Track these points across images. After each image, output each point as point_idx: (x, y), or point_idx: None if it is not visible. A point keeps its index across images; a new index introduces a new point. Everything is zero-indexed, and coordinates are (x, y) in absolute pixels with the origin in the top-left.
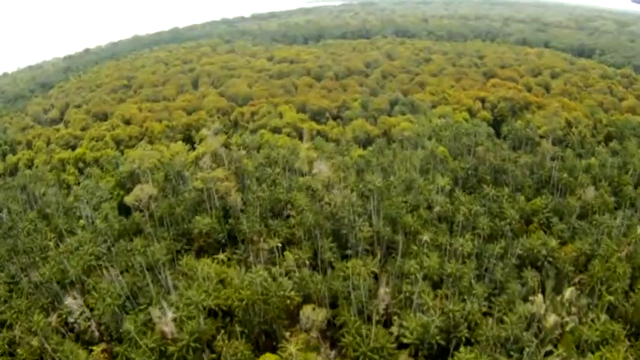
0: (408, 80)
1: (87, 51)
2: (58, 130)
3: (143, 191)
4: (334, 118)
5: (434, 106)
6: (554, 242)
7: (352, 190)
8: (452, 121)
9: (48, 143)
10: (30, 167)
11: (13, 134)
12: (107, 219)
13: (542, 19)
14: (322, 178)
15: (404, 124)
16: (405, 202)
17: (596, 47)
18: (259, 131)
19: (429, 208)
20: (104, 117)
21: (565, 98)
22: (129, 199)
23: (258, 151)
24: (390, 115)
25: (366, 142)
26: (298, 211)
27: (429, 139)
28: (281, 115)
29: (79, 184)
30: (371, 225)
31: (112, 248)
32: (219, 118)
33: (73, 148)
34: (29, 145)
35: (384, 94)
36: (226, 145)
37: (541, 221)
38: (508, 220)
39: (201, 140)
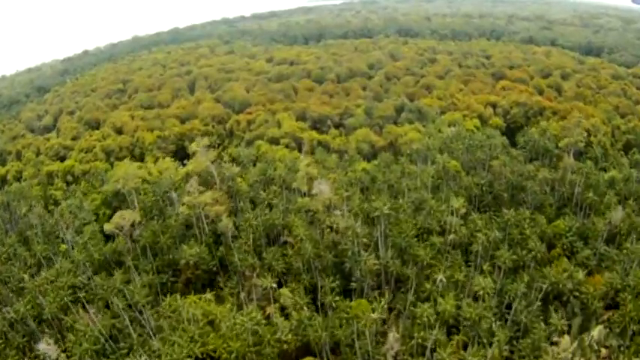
0: (414, 83)
1: (85, 53)
2: (48, 139)
3: (124, 218)
4: (336, 126)
5: (442, 112)
6: (580, 274)
7: (356, 215)
8: (463, 131)
9: (37, 154)
10: (19, 180)
11: (4, 144)
12: (86, 247)
13: (546, 17)
14: (323, 199)
15: (411, 135)
16: (415, 224)
17: (604, 45)
18: (256, 142)
19: (442, 233)
20: (96, 125)
21: (579, 102)
22: (108, 227)
23: (254, 165)
24: (396, 123)
25: (370, 155)
26: (296, 240)
27: (440, 152)
28: (279, 124)
29: (67, 199)
30: (378, 256)
31: (92, 281)
32: (213, 127)
33: (63, 159)
34: (19, 156)
35: (388, 99)
36: (219, 160)
37: (564, 246)
38: (533, 253)
39: (193, 154)
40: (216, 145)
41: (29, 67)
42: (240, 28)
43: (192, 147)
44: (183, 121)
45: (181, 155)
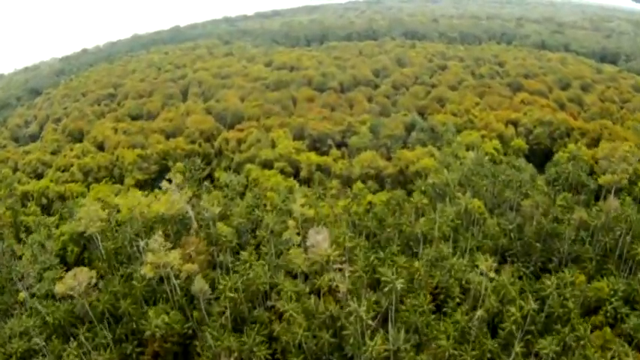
0: (424, 94)
1: (84, 51)
2: (28, 152)
3: (78, 278)
4: (338, 146)
5: (458, 131)
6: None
7: (360, 277)
8: (484, 159)
9: (15, 170)
10: None
11: None
12: (39, 310)
13: (555, 19)
14: (319, 253)
15: (425, 161)
16: (434, 288)
17: (620, 52)
18: (246, 166)
19: (465, 292)
20: (79, 136)
21: (606, 120)
22: (59, 290)
23: (243, 194)
24: (405, 144)
25: (378, 182)
26: (285, 314)
27: (460, 184)
28: (273, 143)
29: (35, 231)
30: (387, 338)
31: (45, 347)
32: (200, 145)
33: (40, 176)
34: None
35: (397, 114)
36: (200, 193)
37: (608, 313)
38: (578, 334)
39: (166, 191)
40: (201, 169)
41: (27, 65)
42: (242, 28)
43: (164, 185)
44: (168, 136)
45: (164, 177)
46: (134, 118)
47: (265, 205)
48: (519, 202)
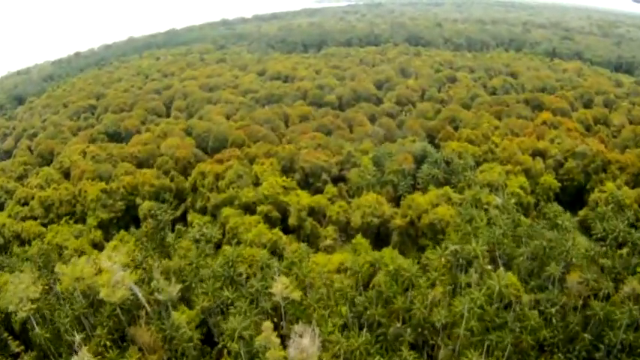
0: (433, 112)
1: (77, 55)
2: None
3: None
4: (335, 180)
5: (477, 162)
6: None
7: None
8: (514, 213)
9: None
10: None
11: None
12: None
13: (562, 24)
14: None
15: (442, 211)
16: None
17: (634, 61)
18: (223, 211)
19: None
20: (50, 158)
21: None
22: None
23: (218, 247)
24: (415, 180)
25: (384, 239)
26: None
27: (489, 251)
28: (257, 180)
29: None
30: None
31: None
32: (172, 179)
33: (2, 207)
34: None
35: (403, 138)
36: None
37: None
38: None
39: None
40: (169, 213)
41: (21, 69)
42: (238, 32)
43: (104, 259)
44: (141, 164)
45: (131, 215)
46: (110, 135)
47: (241, 275)
48: (563, 275)
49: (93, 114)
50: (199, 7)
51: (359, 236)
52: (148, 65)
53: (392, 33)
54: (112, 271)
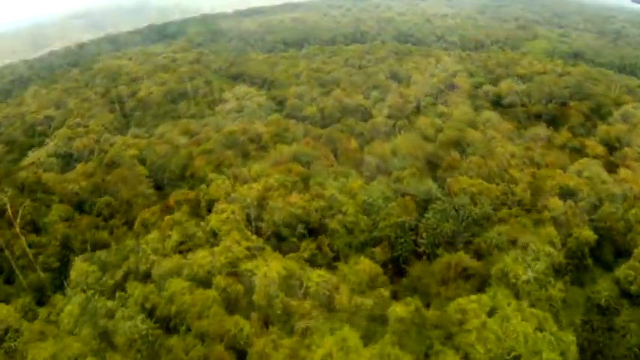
0: (433, 131)
1: (51, 54)
2: None
3: None
4: (313, 232)
5: (494, 209)
6: None
7: None
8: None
9: None
10: None
11: None
12: None
13: (555, 20)
14: None
15: (462, 302)
16: None
17: (638, 61)
18: (170, 282)
19: None
20: None
21: None
22: None
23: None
24: (419, 237)
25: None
26: None
27: None
28: (215, 236)
29: None
30: None
31: None
32: (112, 232)
33: None
34: None
35: (402, 171)
36: None
37: None
38: None
39: None
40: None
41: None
42: (218, 28)
43: None
44: (80, 204)
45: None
46: (61, 157)
47: None
48: None
49: (49, 127)
50: (182, 1)
51: (346, 328)
52: (118, 67)
53: (379, 30)
54: None
